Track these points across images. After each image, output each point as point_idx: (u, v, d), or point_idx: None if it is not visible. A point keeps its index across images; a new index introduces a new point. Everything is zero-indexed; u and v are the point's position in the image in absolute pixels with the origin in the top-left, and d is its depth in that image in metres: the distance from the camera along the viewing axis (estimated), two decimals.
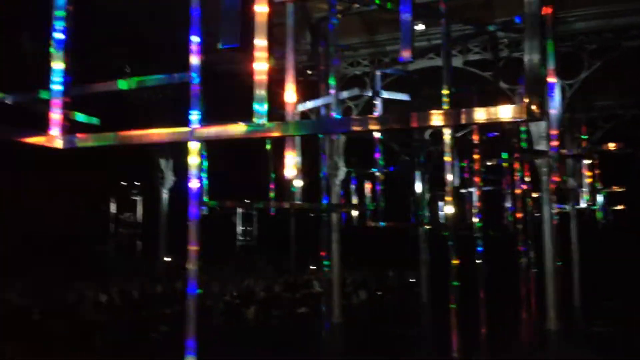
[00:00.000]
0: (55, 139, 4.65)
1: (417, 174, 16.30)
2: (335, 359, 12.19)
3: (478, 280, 9.34)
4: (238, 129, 3.49)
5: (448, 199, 7.99)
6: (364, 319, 16.08)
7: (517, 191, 14.26)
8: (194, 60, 4.16)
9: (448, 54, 7.50)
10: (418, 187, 16.25)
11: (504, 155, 12.38)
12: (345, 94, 10.30)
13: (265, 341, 13.01)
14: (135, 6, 12.95)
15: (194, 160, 4.29)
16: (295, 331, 14.04)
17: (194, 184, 4.27)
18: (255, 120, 3.83)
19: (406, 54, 3.45)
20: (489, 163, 12.97)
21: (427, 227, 18.37)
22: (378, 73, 9.76)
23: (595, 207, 17.68)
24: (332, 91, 8.10)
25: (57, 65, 4.25)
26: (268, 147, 10.33)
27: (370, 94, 9.69)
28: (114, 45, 14.61)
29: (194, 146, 4.27)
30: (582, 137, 14.90)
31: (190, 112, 4.09)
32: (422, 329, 15.31)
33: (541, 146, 13.24)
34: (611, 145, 10.74)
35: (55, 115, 4.62)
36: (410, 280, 21.67)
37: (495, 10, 12.28)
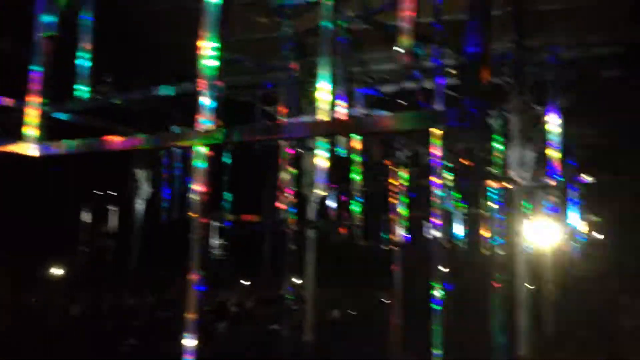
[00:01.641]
0: (31, 147, 4.60)
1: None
2: None
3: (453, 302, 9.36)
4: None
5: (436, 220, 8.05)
6: (335, 338, 16.00)
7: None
8: (208, 65, 4.11)
9: (441, 77, 7.57)
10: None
11: None
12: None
13: (235, 358, 12.87)
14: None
15: (201, 165, 4.14)
16: (265, 348, 13.91)
17: (201, 191, 4.13)
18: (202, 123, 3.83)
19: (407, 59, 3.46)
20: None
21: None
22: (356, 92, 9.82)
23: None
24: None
25: (35, 72, 4.22)
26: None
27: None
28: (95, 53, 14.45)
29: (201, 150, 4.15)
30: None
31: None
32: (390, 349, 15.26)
33: (517, 172, 13.38)
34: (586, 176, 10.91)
35: (31, 123, 4.57)
36: (383, 300, 21.61)
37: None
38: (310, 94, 13.97)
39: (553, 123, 13.41)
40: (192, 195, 4.17)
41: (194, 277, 4.18)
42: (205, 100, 3.86)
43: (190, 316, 4.12)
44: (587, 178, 15.63)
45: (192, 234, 4.20)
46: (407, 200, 17.47)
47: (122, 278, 18.67)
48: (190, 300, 4.16)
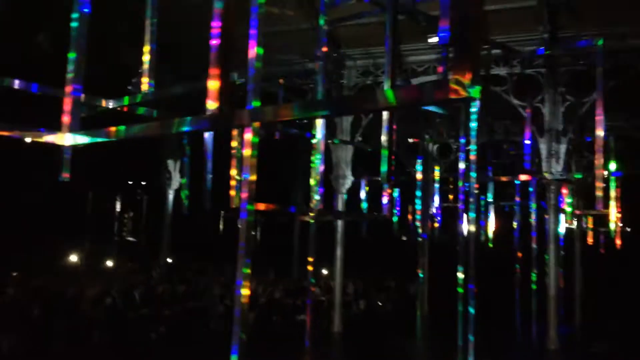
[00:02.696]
0: (66, 136, 4.65)
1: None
2: None
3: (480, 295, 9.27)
4: None
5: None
6: (363, 329, 16.00)
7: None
8: (252, 54, 4.22)
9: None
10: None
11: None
12: None
13: (263, 348, 12.95)
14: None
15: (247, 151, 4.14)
16: (294, 339, 13.95)
17: (248, 177, 4.10)
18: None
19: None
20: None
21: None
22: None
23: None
24: None
25: (73, 66, 4.28)
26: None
27: None
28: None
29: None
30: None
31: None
32: (420, 341, 15.27)
33: (550, 164, 13.20)
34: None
35: (67, 113, 4.62)
36: (411, 291, 21.55)
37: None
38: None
39: (587, 115, 13.20)
40: (238, 184, 4.20)
41: (239, 267, 4.14)
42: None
43: (238, 308, 4.11)
44: (621, 170, 15.32)
45: (239, 224, 4.16)
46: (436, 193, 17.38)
47: (154, 267, 18.91)
48: (235, 292, 4.15)
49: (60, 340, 11.41)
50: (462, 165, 8.68)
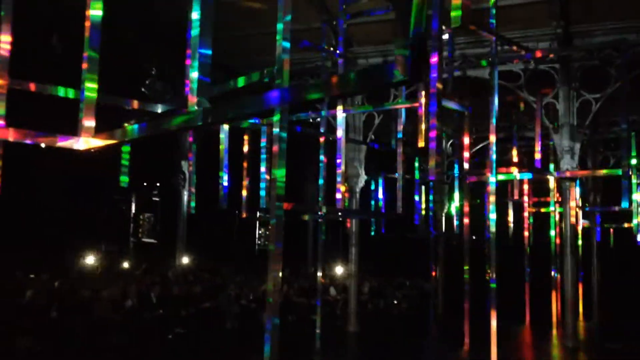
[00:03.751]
0: (85, 140, 4.66)
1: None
2: None
3: (492, 292, 9.24)
4: None
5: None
6: (378, 329, 15.97)
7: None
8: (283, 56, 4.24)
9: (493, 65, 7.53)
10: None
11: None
12: None
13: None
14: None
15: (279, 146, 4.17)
16: (309, 338, 13.95)
17: (277, 177, 4.12)
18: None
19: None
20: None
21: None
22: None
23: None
24: None
25: (90, 70, 4.29)
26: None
27: None
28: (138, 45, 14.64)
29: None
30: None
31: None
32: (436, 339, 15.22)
33: (565, 160, 13.11)
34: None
35: (88, 117, 4.63)
36: (426, 289, 21.46)
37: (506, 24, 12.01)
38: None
39: (601, 110, 13.09)
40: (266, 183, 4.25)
41: (274, 268, 4.18)
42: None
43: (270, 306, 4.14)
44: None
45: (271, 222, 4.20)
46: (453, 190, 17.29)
47: (169, 268, 18.99)
48: (271, 292, 4.18)
49: (77, 342, 11.48)
50: (466, 165, 8.66)
